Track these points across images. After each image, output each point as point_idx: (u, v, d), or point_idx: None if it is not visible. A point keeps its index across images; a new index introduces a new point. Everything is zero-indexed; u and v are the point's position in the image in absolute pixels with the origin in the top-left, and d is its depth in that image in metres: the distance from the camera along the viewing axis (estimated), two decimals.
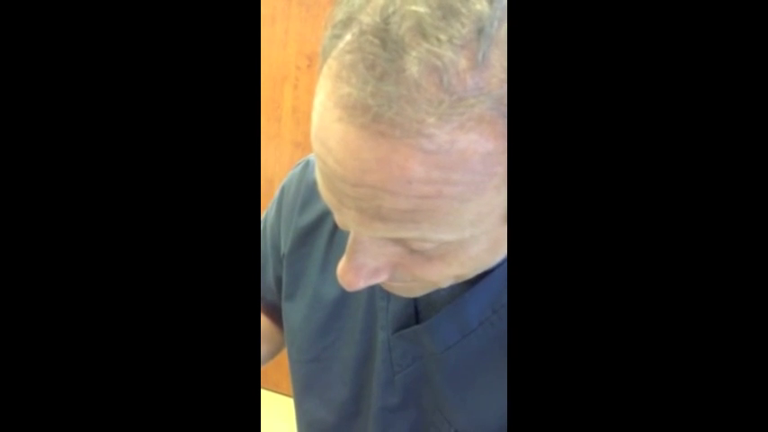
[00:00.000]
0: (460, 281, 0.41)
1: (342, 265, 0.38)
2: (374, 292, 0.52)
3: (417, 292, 0.42)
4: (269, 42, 2.48)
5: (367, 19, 0.30)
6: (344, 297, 0.54)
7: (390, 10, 0.30)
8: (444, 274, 0.38)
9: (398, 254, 0.37)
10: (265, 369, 0.74)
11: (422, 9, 0.29)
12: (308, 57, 2.38)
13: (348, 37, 0.31)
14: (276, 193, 0.62)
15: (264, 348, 0.68)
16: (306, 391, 0.59)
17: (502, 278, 0.45)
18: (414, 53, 0.29)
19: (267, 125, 2.20)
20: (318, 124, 0.33)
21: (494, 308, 0.46)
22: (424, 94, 0.29)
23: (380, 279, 0.38)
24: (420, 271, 0.38)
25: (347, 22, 0.32)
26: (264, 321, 0.68)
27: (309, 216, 0.56)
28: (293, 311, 0.58)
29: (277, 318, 0.64)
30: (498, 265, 0.45)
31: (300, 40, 2.41)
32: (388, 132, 0.30)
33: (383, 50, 0.30)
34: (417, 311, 0.50)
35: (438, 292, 0.46)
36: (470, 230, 0.34)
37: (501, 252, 0.39)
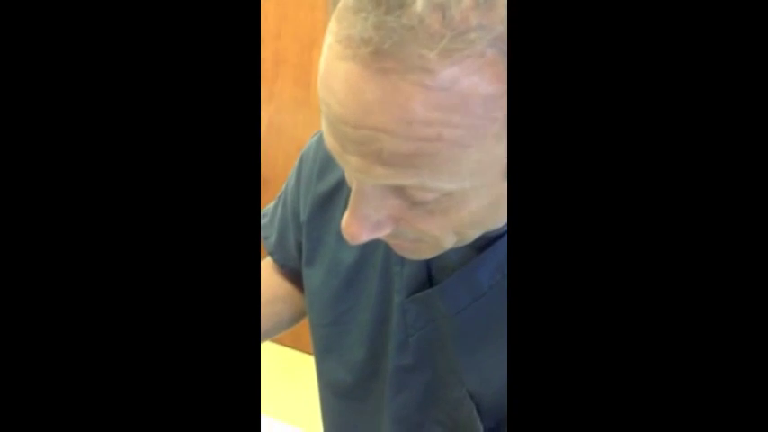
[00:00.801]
0: (463, 242, 0.42)
1: (345, 217, 0.39)
2: (389, 257, 0.53)
3: (424, 253, 0.43)
4: (296, 5, 2.46)
5: None
6: (361, 262, 0.56)
7: None
8: (446, 229, 0.39)
9: (400, 206, 0.38)
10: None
11: None
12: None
13: None
14: (296, 161, 0.63)
15: (288, 312, 0.70)
16: (325, 352, 0.61)
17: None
18: (412, 10, 0.29)
19: (295, 91, 2.20)
20: (324, 67, 0.34)
21: (503, 272, 0.47)
22: (426, 29, 0.29)
23: (383, 232, 0.39)
24: (422, 224, 0.38)
25: None
26: (288, 286, 0.70)
27: (327, 183, 0.57)
28: (312, 277, 0.60)
29: (299, 283, 0.66)
30: (503, 233, 0.46)
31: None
32: (389, 68, 0.30)
33: (377, 4, 0.30)
34: (430, 276, 0.51)
35: (449, 257, 0.47)
36: (470, 181, 0.35)
37: (502, 212, 0.40)
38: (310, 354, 0.64)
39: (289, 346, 2.23)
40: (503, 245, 0.46)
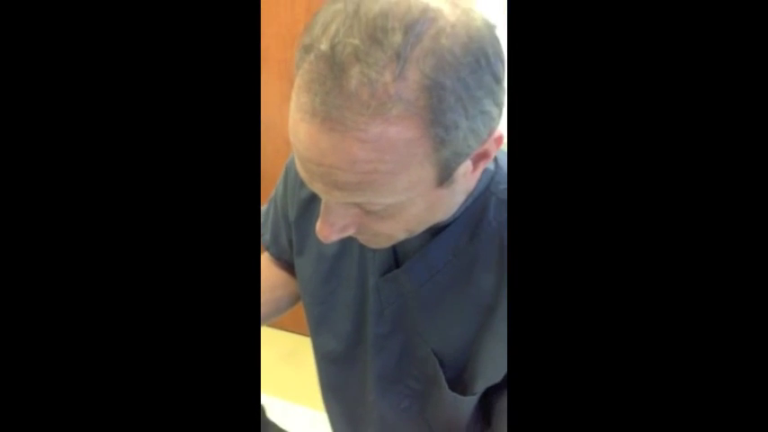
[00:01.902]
0: (413, 234, 0.54)
1: (318, 224, 0.51)
2: (363, 247, 0.65)
3: (383, 244, 0.55)
4: (276, 2, 2.54)
5: (321, 47, 0.42)
6: (341, 252, 0.68)
7: (335, 41, 0.41)
8: (395, 229, 0.51)
9: (358, 214, 0.50)
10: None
11: (356, 41, 0.41)
12: None
13: (309, 58, 0.43)
14: (282, 172, 0.75)
15: (286, 297, 0.82)
16: (318, 328, 0.73)
17: (458, 231, 0.58)
18: (351, 72, 0.41)
19: (280, 85, 2.29)
20: (290, 123, 0.46)
21: (454, 253, 0.59)
22: (358, 100, 0.41)
23: (348, 233, 0.51)
24: (376, 227, 0.51)
25: (309, 48, 0.43)
26: (284, 275, 0.82)
27: (308, 190, 0.69)
28: (303, 266, 0.72)
29: (293, 272, 0.78)
30: (453, 221, 0.58)
31: None
32: (335, 128, 0.42)
33: (330, 72, 0.41)
34: (397, 259, 0.63)
35: (411, 243, 0.59)
36: (405, 195, 0.46)
37: (439, 211, 0.52)
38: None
39: (290, 331, 2.36)
40: (451, 232, 0.58)
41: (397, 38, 0.41)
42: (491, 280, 0.57)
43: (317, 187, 0.47)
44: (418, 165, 0.44)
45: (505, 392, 0.60)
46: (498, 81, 0.44)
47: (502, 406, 0.61)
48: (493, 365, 0.59)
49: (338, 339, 0.71)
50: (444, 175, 0.47)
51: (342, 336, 0.70)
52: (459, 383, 0.61)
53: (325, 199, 0.50)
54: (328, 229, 0.50)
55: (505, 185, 0.58)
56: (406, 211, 0.49)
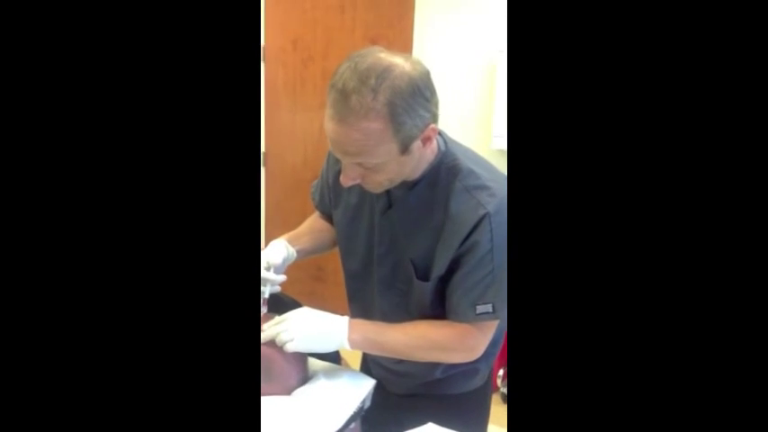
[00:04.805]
0: (394, 184, 0.95)
1: (341, 176, 0.94)
2: (373, 198, 1.06)
3: (378, 189, 0.97)
4: (339, 30, 2.99)
5: (338, 86, 0.84)
6: (360, 203, 1.09)
7: (343, 82, 0.84)
8: (383, 178, 0.93)
9: (360, 170, 0.92)
10: None
11: (354, 83, 0.83)
12: (371, 40, 2.87)
13: (332, 91, 0.85)
14: (325, 158, 1.18)
15: (328, 238, 1.24)
16: (346, 254, 1.15)
17: (423, 185, 0.99)
18: (352, 97, 0.83)
19: None
20: (325, 123, 0.88)
21: (421, 198, 0.99)
22: (354, 111, 0.83)
23: (357, 181, 0.94)
24: (371, 177, 0.93)
25: (332, 85, 0.86)
26: (327, 224, 1.25)
27: (339, 166, 1.11)
28: (337, 214, 1.14)
29: (332, 222, 1.20)
30: (421, 179, 0.98)
31: (365, 26, 2.90)
32: (344, 124, 0.84)
33: (341, 97, 0.84)
34: (390, 203, 1.04)
35: (397, 193, 1.00)
36: (383, 158, 0.88)
37: (407, 169, 0.94)
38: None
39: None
40: (419, 186, 0.99)
41: (373, 80, 0.83)
42: (441, 212, 0.97)
43: (338, 155, 0.89)
44: (387, 141, 0.86)
45: (449, 280, 0.99)
46: (427, 100, 0.86)
47: (447, 290, 1.00)
48: (440, 261, 0.98)
49: (357, 261, 1.12)
50: (403, 148, 0.88)
51: (360, 258, 1.12)
52: (423, 275, 1.01)
53: (343, 161, 0.91)
54: (345, 178, 0.93)
55: (452, 160, 0.98)
56: (387, 167, 0.90)
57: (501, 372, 2.51)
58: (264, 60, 3.24)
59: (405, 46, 2.81)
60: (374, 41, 2.86)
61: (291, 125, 3.17)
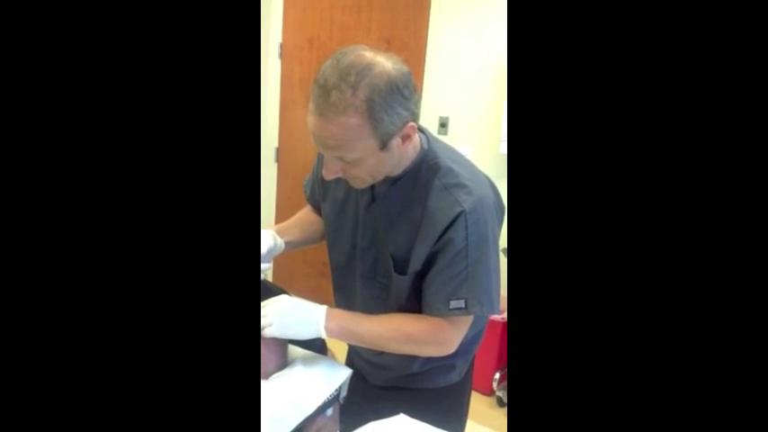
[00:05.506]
0: (376, 180, 0.98)
1: (323, 170, 0.96)
2: (357, 192, 1.09)
3: (359, 184, 1.00)
4: (355, 29, 3.03)
5: (320, 81, 0.87)
6: (346, 197, 1.12)
7: (325, 79, 0.87)
8: (364, 174, 0.96)
9: (341, 164, 0.94)
10: None
11: (335, 79, 0.86)
12: (386, 41, 2.91)
13: (315, 86, 0.88)
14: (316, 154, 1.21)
15: (318, 229, 1.27)
16: (332, 246, 1.18)
17: (405, 182, 1.01)
18: (332, 93, 0.86)
19: None
20: (307, 118, 0.91)
21: (403, 194, 1.02)
22: (334, 106, 0.86)
23: (339, 174, 0.96)
24: (352, 172, 0.95)
25: (316, 81, 0.89)
26: (317, 217, 1.28)
27: None
28: (325, 207, 1.17)
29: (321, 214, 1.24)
30: (402, 176, 1.01)
31: (381, 27, 2.94)
32: (324, 119, 0.87)
33: (322, 92, 0.87)
34: (373, 198, 1.07)
35: (380, 189, 1.03)
36: (362, 153, 0.91)
37: (387, 165, 0.96)
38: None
39: None
40: (401, 182, 1.02)
41: (353, 77, 0.86)
42: (420, 208, 0.99)
43: (319, 149, 0.92)
44: (366, 137, 0.89)
45: (426, 274, 1.01)
46: (406, 98, 0.88)
47: (422, 285, 1.02)
48: (417, 256, 1.01)
49: (342, 254, 1.15)
50: (382, 144, 0.90)
51: (345, 251, 1.15)
52: (401, 269, 1.04)
53: (324, 155, 0.94)
54: (326, 172, 0.96)
55: (433, 158, 1.00)
56: (366, 162, 0.93)
57: (497, 375, 2.52)
58: (281, 57, 3.30)
59: (419, 48, 2.84)
60: (389, 42, 2.89)
61: (305, 122, 3.21)
